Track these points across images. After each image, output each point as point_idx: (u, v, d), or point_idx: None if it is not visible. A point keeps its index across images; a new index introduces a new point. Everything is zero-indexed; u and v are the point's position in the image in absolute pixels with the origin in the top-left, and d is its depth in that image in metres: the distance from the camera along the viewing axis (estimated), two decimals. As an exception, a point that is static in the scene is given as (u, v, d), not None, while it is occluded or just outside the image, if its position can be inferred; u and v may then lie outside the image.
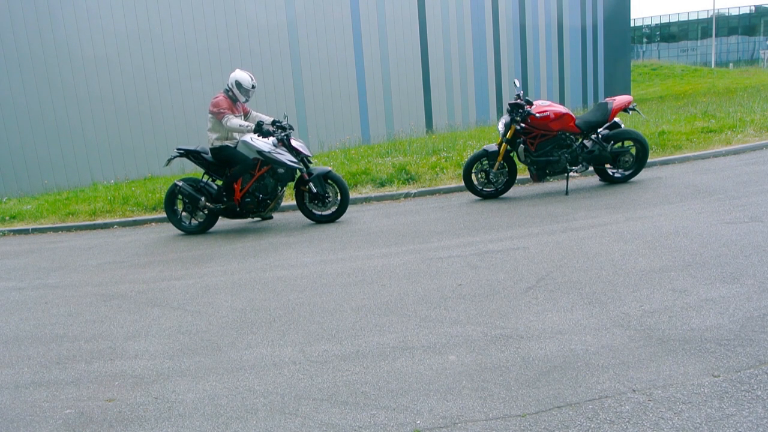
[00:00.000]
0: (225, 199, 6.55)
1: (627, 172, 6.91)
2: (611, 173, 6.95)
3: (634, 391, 2.53)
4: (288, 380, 2.95)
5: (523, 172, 7.41)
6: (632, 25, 41.65)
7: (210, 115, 6.36)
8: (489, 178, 6.95)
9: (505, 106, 7.12)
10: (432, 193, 7.67)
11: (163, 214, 7.97)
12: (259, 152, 6.25)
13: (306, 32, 15.27)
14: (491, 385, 2.69)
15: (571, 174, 6.95)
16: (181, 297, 4.45)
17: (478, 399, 2.59)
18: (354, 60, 16.21)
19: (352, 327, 3.53)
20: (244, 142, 6.31)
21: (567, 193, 6.76)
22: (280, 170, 6.36)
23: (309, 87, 15.18)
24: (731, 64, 47.37)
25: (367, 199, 7.66)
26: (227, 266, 5.22)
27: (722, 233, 4.57)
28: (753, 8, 57.20)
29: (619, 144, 6.83)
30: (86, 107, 12.56)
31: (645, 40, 61.84)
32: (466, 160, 7.28)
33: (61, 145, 12.35)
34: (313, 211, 6.55)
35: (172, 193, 6.80)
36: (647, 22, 62.47)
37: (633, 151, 6.86)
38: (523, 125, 6.68)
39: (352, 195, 7.86)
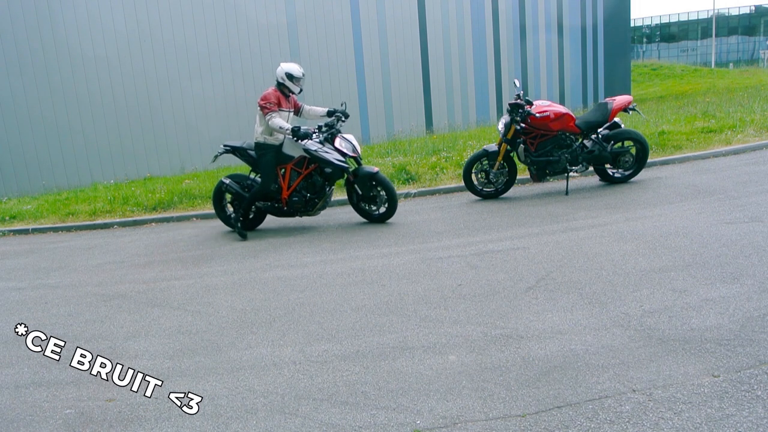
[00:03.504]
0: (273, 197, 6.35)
1: (627, 172, 6.91)
2: (611, 173, 6.94)
3: (634, 391, 2.53)
4: (288, 380, 2.95)
5: (523, 172, 7.40)
6: (632, 25, 41.64)
7: (258, 109, 6.09)
8: (489, 178, 6.94)
9: (505, 106, 7.12)
10: (432, 193, 7.67)
11: (164, 214, 7.98)
12: (306, 150, 6.06)
13: (306, 32, 15.26)
14: (491, 385, 2.69)
15: (571, 174, 6.94)
16: (181, 297, 4.45)
17: (478, 399, 2.59)
18: (354, 60, 16.20)
19: (352, 327, 3.53)
20: (291, 140, 6.13)
21: (567, 193, 6.76)
22: (327, 169, 6.12)
23: (309, 87, 15.13)
24: (731, 64, 47.36)
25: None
26: (227, 266, 5.22)
27: (722, 233, 4.57)
28: (753, 8, 57.18)
29: (619, 144, 6.83)
30: (86, 107, 12.56)
31: (645, 40, 61.83)
32: (466, 160, 7.28)
33: (61, 145, 12.35)
34: (365, 209, 6.32)
35: (220, 190, 6.64)
36: (647, 22, 62.46)
37: (633, 151, 6.86)
38: (523, 125, 6.67)
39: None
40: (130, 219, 7.92)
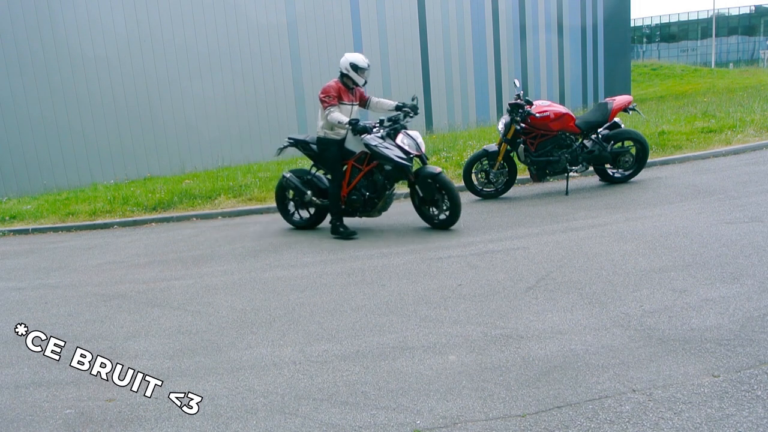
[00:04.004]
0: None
1: (627, 172, 6.91)
2: (611, 173, 6.94)
3: (634, 391, 2.53)
4: (288, 380, 2.95)
5: (523, 172, 7.40)
6: (632, 25, 41.62)
7: (319, 102, 5.84)
8: (489, 178, 6.94)
9: (505, 106, 7.12)
10: (432, 193, 7.65)
11: (164, 214, 7.97)
12: (366, 145, 5.69)
13: (306, 32, 15.26)
14: (491, 385, 2.69)
15: (571, 174, 6.94)
16: (181, 297, 4.45)
17: (478, 399, 2.59)
18: (354, 60, 16.20)
19: (352, 327, 3.53)
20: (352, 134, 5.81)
21: (567, 193, 6.76)
22: (387, 166, 5.71)
23: (309, 87, 15.15)
24: (731, 64, 47.34)
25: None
26: (227, 266, 5.22)
27: (722, 233, 4.57)
28: (753, 8, 57.17)
29: (619, 144, 6.83)
30: (86, 107, 12.56)
31: (645, 40, 61.82)
32: (466, 160, 7.28)
33: (61, 145, 12.35)
34: (427, 213, 5.82)
35: (282, 187, 6.39)
36: (647, 22, 62.45)
37: (633, 151, 6.86)
38: (523, 125, 6.67)
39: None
40: (130, 219, 7.92)
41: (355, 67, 5.77)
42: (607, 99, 7.06)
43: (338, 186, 5.90)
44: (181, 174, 12.07)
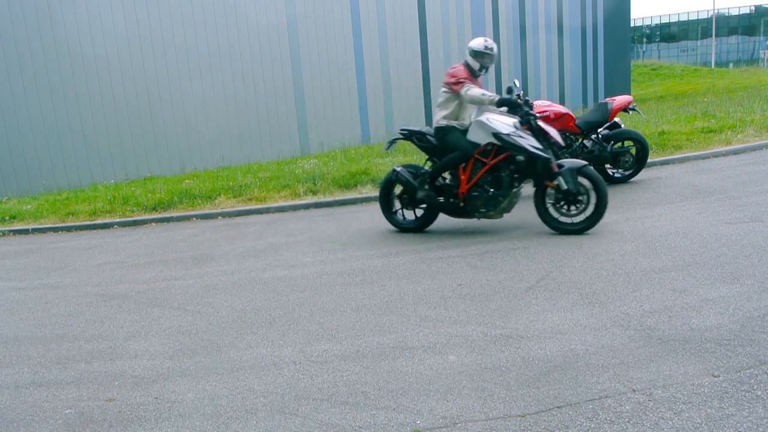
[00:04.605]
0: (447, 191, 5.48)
1: (627, 172, 6.91)
2: (611, 173, 6.94)
3: (634, 391, 2.53)
4: (288, 380, 2.95)
5: (523, 172, 7.39)
6: (632, 25, 41.63)
7: (444, 88, 5.36)
8: (489, 178, 6.93)
9: (505, 106, 7.11)
10: (432, 193, 7.65)
11: (163, 214, 7.97)
12: (496, 135, 5.13)
13: (306, 32, 15.26)
14: (491, 385, 2.69)
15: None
16: (181, 297, 4.45)
17: (478, 399, 2.59)
18: (354, 60, 16.20)
19: (352, 327, 3.53)
20: (479, 123, 5.25)
21: (567, 193, 6.75)
22: (519, 157, 5.10)
23: (309, 87, 15.17)
24: (731, 64, 47.34)
25: (367, 199, 7.65)
26: (227, 266, 5.22)
27: (722, 233, 4.57)
28: (753, 8, 57.17)
29: (619, 144, 6.83)
30: (86, 107, 12.56)
31: (645, 40, 61.82)
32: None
33: (61, 145, 12.34)
34: (557, 216, 5.16)
35: (390, 182, 5.79)
36: (647, 22, 62.45)
37: (633, 151, 6.86)
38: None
39: (351, 195, 7.86)
40: (130, 219, 7.92)
41: (480, 54, 5.36)
42: (607, 99, 7.06)
43: (466, 151, 5.24)
44: (181, 174, 12.07)
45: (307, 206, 7.69)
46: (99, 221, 7.98)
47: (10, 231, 8.03)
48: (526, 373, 2.77)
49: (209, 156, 13.38)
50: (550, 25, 21.15)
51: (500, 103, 5.12)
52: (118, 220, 7.94)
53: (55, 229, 7.90)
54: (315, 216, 7.15)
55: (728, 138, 8.48)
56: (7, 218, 8.55)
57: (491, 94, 5.12)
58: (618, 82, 23.38)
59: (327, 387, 2.84)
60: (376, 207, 7.21)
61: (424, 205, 5.69)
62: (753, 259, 3.94)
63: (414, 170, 5.72)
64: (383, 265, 4.72)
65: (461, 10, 18.49)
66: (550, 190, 5.14)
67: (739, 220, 4.94)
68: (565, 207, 5.11)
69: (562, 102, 20.54)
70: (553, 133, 5.26)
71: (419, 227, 5.78)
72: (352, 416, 2.56)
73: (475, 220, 5.69)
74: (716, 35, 50.36)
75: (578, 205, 5.05)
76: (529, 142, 5.07)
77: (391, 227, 5.93)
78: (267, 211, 7.67)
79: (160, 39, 13.26)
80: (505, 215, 5.51)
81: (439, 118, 5.47)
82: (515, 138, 5.08)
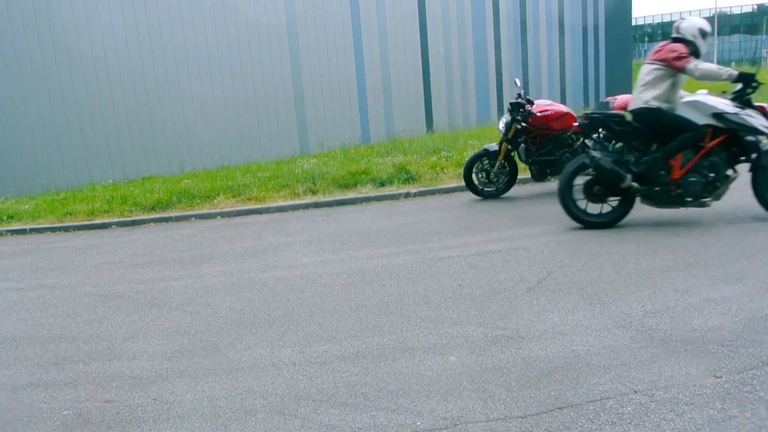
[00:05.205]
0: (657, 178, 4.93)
1: (628, 172, 6.87)
2: (612, 173, 6.91)
3: (635, 392, 2.51)
4: (287, 381, 2.93)
5: (524, 172, 7.37)
6: (634, 23, 41.60)
7: (655, 66, 4.91)
8: (490, 178, 6.92)
9: (506, 106, 7.11)
10: (432, 192, 7.65)
11: (162, 214, 7.95)
12: (718, 115, 4.74)
13: (306, 32, 15.23)
14: (492, 386, 2.67)
15: (571, 173, 6.90)
16: (180, 297, 4.43)
17: (479, 400, 2.57)
18: (354, 60, 16.18)
19: (352, 328, 3.51)
20: (693, 104, 4.88)
21: (568, 192, 6.72)
22: (749, 138, 4.72)
23: (309, 87, 15.14)
24: (733, 63, 47.29)
25: (367, 199, 7.64)
26: (226, 266, 5.20)
27: (724, 233, 4.55)
28: (755, 7, 57.11)
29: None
30: (84, 107, 12.54)
31: (647, 39, 61.72)
32: (466, 159, 7.25)
33: (59, 145, 12.32)
34: None
35: (578, 169, 5.17)
36: (649, 20, 62.43)
37: (634, 150, 6.82)
38: (524, 124, 6.65)
39: (351, 195, 7.85)
40: (128, 219, 7.89)
41: (703, 33, 4.95)
42: (609, 98, 7.04)
43: (699, 131, 4.82)
44: (180, 174, 12.05)
45: (306, 206, 7.67)
46: (97, 221, 7.95)
47: (8, 231, 8.01)
48: (527, 374, 2.75)
49: (208, 156, 13.36)
50: (551, 24, 21.14)
51: (738, 79, 4.71)
52: (116, 220, 7.91)
53: (53, 229, 7.88)
54: (314, 216, 7.13)
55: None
56: (4, 218, 8.54)
57: (728, 69, 4.70)
58: (619, 81, 23.35)
59: (326, 388, 2.82)
60: (376, 207, 7.20)
61: (616, 197, 5.10)
62: (755, 260, 3.91)
63: (613, 155, 5.11)
64: (383, 265, 4.70)
65: (462, 8, 18.47)
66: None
67: (740, 219, 4.92)
68: None
69: (563, 101, 20.49)
70: None
71: (613, 221, 5.15)
72: (351, 417, 2.54)
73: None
74: (718, 34, 50.29)
75: None
76: (759, 121, 4.70)
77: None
78: (266, 210, 7.65)
79: (158, 40, 13.24)
80: (505, 214, 5.49)
81: (649, 98, 4.94)
82: (744, 117, 4.68)
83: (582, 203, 5.19)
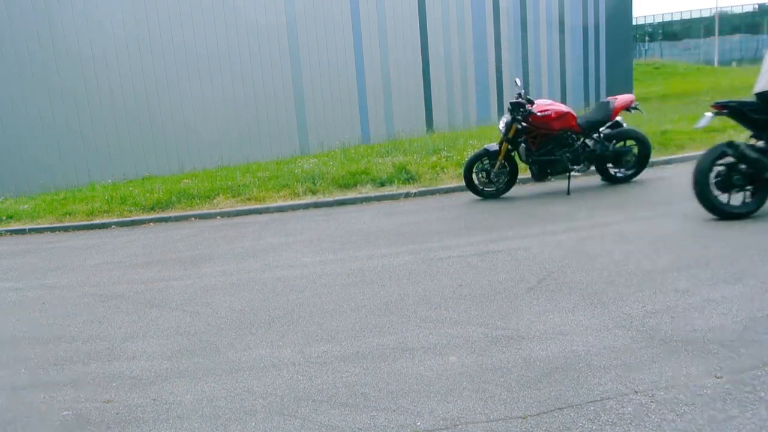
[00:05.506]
0: None
1: (629, 172, 6.88)
2: (613, 173, 6.91)
3: (636, 392, 2.50)
4: (287, 381, 2.92)
5: (524, 172, 7.37)
6: (634, 23, 41.57)
7: None
8: (490, 178, 6.92)
9: (506, 105, 7.10)
10: (432, 192, 7.64)
11: (162, 214, 7.94)
12: None
13: (306, 32, 15.23)
14: (492, 387, 2.66)
15: (572, 173, 6.91)
16: (180, 297, 4.42)
17: (479, 400, 2.56)
18: (354, 60, 16.18)
19: (352, 328, 3.50)
20: None
21: (569, 192, 6.72)
22: None
23: (308, 87, 15.14)
24: (734, 63, 47.26)
25: (367, 199, 7.63)
26: (226, 266, 5.19)
27: (725, 233, 4.54)
28: (756, 6, 57.06)
29: (621, 143, 6.80)
30: (84, 107, 12.54)
31: (647, 38, 61.68)
32: (466, 159, 7.25)
33: (59, 144, 12.32)
34: None
35: (716, 158, 4.86)
36: (649, 20, 62.35)
37: (635, 150, 6.83)
38: (524, 124, 6.65)
39: (351, 195, 7.84)
40: (128, 219, 7.89)
41: None
42: (609, 98, 7.03)
43: None
44: (179, 174, 12.05)
45: (306, 206, 7.67)
46: (97, 221, 7.95)
47: (7, 231, 8.01)
48: (527, 374, 2.74)
49: (208, 156, 13.36)
50: (551, 23, 21.13)
51: None
52: (115, 220, 7.91)
53: (53, 229, 7.87)
54: (314, 216, 7.13)
55: (731, 137, 8.43)
56: (4, 218, 8.53)
57: None
58: (620, 81, 23.36)
59: (326, 388, 2.81)
60: (376, 207, 7.20)
61: (750, 187, 4.87)
62: (756, 260, 3.91)
63: (752, 146, 4.90)
64: (383, 265, 4.69)
65: (462, 8, 18.46)
66: None
67: (741, 219, 4.90)
68: None
69: (563, 101, 20.49)
70: None
71: (751, 212, 4.92)
72: (351, 418, 2.53)
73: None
74: (719, 33, 50.25)
75: None
76: None
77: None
78: (266, 210, 7.65)
79: (158, 39, 13.24)
80: (505, 214, 5.49)
81: None
82: None
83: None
